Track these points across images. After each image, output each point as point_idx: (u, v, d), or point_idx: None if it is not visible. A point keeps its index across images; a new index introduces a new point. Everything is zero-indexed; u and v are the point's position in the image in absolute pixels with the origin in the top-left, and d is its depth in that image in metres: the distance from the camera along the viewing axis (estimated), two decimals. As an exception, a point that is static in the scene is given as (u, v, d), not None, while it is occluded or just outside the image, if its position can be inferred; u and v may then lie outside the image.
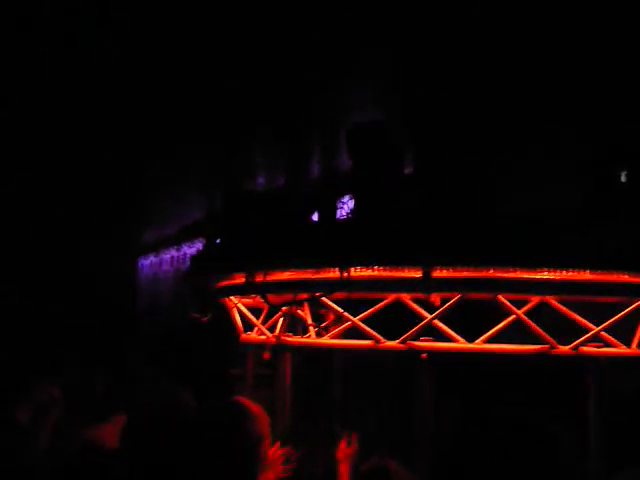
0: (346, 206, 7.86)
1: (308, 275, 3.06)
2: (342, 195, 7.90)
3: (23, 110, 5.65)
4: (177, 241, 11.33)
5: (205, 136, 6.63)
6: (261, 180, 8.03)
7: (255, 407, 2.58)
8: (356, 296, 3.04)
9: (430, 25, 4.07)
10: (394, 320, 3.02)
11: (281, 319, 3.47)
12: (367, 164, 3.81)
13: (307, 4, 3.98)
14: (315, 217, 7.40)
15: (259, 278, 3.16)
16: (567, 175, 4.15)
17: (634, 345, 3.13)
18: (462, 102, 4.61)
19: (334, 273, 2.93)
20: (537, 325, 2.97)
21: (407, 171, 4.23)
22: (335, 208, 7.69)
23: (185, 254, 11.11)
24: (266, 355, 3.99)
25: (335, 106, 5.85)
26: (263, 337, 3.62)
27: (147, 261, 12.82)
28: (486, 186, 3.59)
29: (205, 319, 5.55)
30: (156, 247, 12.34)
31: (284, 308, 3.46)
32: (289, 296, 3.26)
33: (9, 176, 8.08)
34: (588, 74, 3.56)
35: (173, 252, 11.64)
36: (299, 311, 3.39)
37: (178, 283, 10.95)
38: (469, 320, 2.96)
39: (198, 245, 10.63)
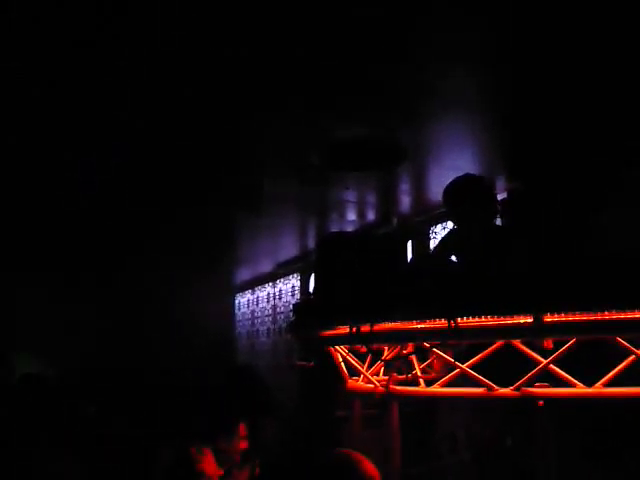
0: (439, 236, 7.79)
1: (415, 324, 3.03)
2: (435, 225, 7.84)
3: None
4: (272, 278, 11.51)
5: (298, 176, 6.72)
6: (352, 217, 8.07)
7: (364, 460, 2.59)
8: (466, 344, 2.99)
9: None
10: (505, 367, 2.95)
11: (388, 368, 3.45)
12: (466, 217, 3.87)
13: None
14: (409, 251, 7.35)
15: (365, 329, 3.15)
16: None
17: None
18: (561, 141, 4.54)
19: (441, 322, 2.89)
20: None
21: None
22: (429, 240, 7.63)
23: (280, 290, 11.26)
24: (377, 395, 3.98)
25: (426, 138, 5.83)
26: (371, 385, 3.60)
27: (244, 298, 13.05)
28: (587, 225, 3.49)
29: (310, 365, 5.62)
30: (252, 284, 12.55)
31: (386, 357, 3.45)
32: (395, 345, 3.24)
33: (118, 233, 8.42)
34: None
35: (269, 288, 11.81)
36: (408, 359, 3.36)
37: (275, 321, 11.10)
38: (583, 364, 2.86)
39: (293, 281, 10.76)
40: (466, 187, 4.19)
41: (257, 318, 12.19)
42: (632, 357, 2.88)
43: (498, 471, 3.95)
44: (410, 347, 3.34)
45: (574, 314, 2.78)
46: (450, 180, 4.28)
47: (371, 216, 7.95)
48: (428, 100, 4.78)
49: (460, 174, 4.32)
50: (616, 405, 2.93)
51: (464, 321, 2.86)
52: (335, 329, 3.53)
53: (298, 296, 10.22)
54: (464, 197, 4.14)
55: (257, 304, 12.26)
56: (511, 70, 4.18)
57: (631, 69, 4.03)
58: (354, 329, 3.20)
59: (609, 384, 2.89)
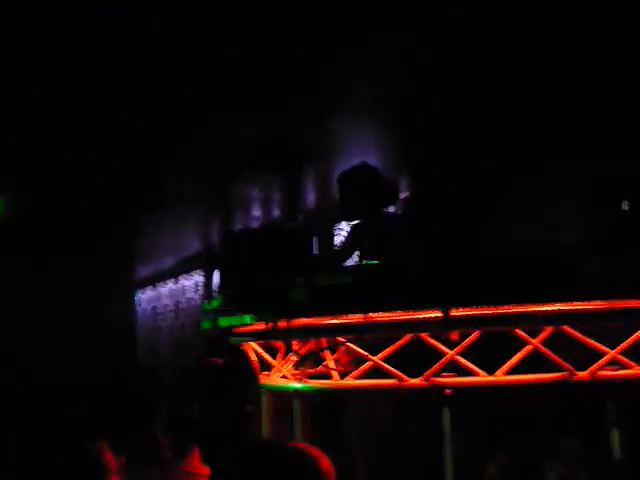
0: (343, 232, 7.95)
1: (330, 320, 3.15)
2: (339, 221, 8.00)
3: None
4: (174, 273, 11.37)
5: (201, 169, 6.72)
6: (256, 213, 8.12)
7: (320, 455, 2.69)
8: (377, 338, 3.13)
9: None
10: (413, 359, 3.12)
11: (302, 363, 3.55)
12: (359, 209, 3.87)
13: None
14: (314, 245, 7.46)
15: (282, 324, 3.24)
16: (567, 206, 4.26)
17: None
18: (461, 135, 4.74)
19: (355, 318, 3.03)
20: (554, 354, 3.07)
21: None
22: (334, 237, 7.79)
23: (183, 286, 11.16)
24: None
25: (330, 135, 5.97)
26: (284, 380, 3.69)
27: (144, 295, 12.83)
28: (490, 221, 3.69)
29: (220, 362, 5.63)
30: (154, 280, 12.36)
31: (302, 351, 3.55)
32: (311, 341, 3.35)
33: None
34: (588, 107, 3.70)
35: (171, 284, 11.68)
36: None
37: (179, 319, 10.99)
38: (487, 354, 3.07)
39: (196, 277, 10.70)
40: (359, 174, 4.08)
41: (159, 314, 12.04)
42: (529, 347, 3.11)
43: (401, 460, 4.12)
44: (324, 342, 3.46)
45: (478, 308, 2.98)
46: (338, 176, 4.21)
47: (276, 212, 8.03)
48: (332, 100, 4.90)
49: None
50: (515, 391, 3.15)
51: (377, 316, 3.01)
52: (248, 326, 3.60)
53: (202, 292, 10.17)
54: (357, 183, 4.02)
55: (159, 300, 12.10)
56: (411, 72, 4.33)
57: (527, 75, 4.24)
58: (270, 325, 3.28)
59: (509, 372, 3.11)
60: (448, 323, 2.93)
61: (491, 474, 3.56)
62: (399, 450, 4.15)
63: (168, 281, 11.84)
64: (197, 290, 10.49)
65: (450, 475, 3.05)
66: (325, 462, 2.50)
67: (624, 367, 3.16)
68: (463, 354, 3.15)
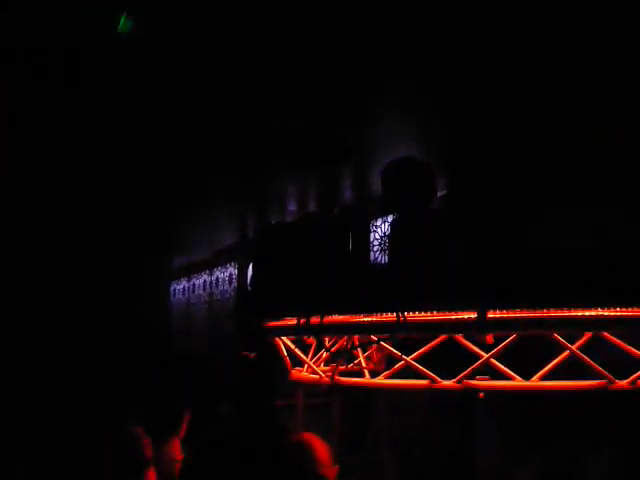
0: (379, 230, 7.91)
1: (362, 318, 3.11)
2: (375, 218, 7.94)
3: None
4: (209, 266, 11.43)
5: (236, 164, 6.72)
6: (292, 207, 8.10)
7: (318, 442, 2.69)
8: (412, 337, 3.08)
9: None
10: (448, 360, 3.06)
11: (334, 359, 3.52)
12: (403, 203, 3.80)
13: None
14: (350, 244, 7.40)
15: (315, 320, 3.21)
16: (601, 199, 4.16)
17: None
18: (505, 127, 4.65)
19: (389, 316, 2.97)
20: (593, 361, 2.99)
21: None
22: (368, 234, 7.73)
23: (217, 278, 11.21)
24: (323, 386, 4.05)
25: (367, 133, 5.92)
26: (316, 376, 3.66)
27: (180, 286, 12.93)
28: (524, 220, 3.63)
29: (253, 355, 5.65)
30: (188, 271, 12.44)
31: (334, 348, 3.51)
32: (343, 337, 3.31)
33: (43, 208, 8.23)
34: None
35: (205, 277, 11.75)
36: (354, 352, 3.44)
37: (212, 310, 11.04)
38: (524, 358, 2.99)
39: (230, 269, 10.74)
40: (406, 167, 3.98)
41: (193, 305, 12.11)
42: (567, 352, 3.03)
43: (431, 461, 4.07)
44: (356, 339, 3.42)
45: (515, 311, 2.91)
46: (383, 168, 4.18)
47: (312, 207, 8.00)
48: (369, 98, 4.86)
49: None
50: (551, 397, 3.07)
51: (411, 315, 2.96)
52: (282, 320, 3.58)
53: (235, 285, 10.20)
54: (403, 177, 3.95)
55: (193, 291, 12.17)
56: (449, 68, 4.26)
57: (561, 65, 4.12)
58: (302, 320, 3.25)
59: (545, 378, 3.04)
60: (483, 325, 2.86)
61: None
62: (429, 451, 4.10)
63: (203, 273, 11.91)
64: (231, 282, 10.53)
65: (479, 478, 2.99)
66: (323, 452, 2.48)
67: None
68: (499, 358, 3.09)
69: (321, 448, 2.67)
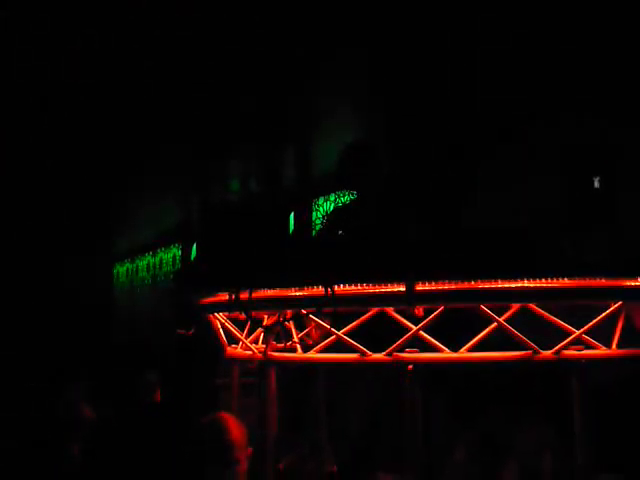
0: (321, 208, 7.90)
1: (293, 292, 3.09)
2: (317, 197, 7.93)
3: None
4: (153, 247, 11.29)
5: (178, 143, 6.64)
6: (235, 186, 8.04)
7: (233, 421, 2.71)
8: (341, 311, 3.08)
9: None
10: (378, 333, 3.07)
11: (267, 335, 3.50)
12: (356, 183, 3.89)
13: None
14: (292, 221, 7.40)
15: (244, 296, 3.18)
16: (537, 176, 4.22)
17: (614, 346, 3.20)
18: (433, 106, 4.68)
19: (319, 289, 2.97)
20: (519, 331, 3.03)
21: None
22: (310, 212, 7.72)
23: (161, 260, 11.09)
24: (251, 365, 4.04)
25: (311, 109, 5.90)
26: (249, 352, 3.65)
27: (123, 268, 12.75)
28: (461, 194, 3.66)
29: (190, 333, 5.60)
30: (131, 254, 12.28)
31: (265, 323, 3.50)
32: (274, 312, 3.30)
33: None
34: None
35: (149, 258, 11.61)
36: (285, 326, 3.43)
37: (156, 293, 10.92)
38: (453, 330, 3.02)
39: (174, 251, 10.62)
40: (365, 153, 4.13)
41: (136, 287, 11.97)
42: (494, 324, 3.07)
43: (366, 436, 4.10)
44: (288, 314, 3.40)
45: (443, 283, 2.94)
46: (341, 150, 4.26)
47: (254, 187, 7.95)
48: (314, 77, 4.85)
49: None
50: (479, 368, 3.12)
51: (341, 288, 2.96)
52: (214, 296, 3.55)
53: (179, 265, 10.11)
54: (364, 162, 4.07)
55: (136, 274, 12.03)
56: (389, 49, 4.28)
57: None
58: (233, 296, 3.22)
59: (472, 349, 3.08)
60: (411, 297, 2.88)
61: (459, 458, 3.56)
62: (365, 426, 4.13)
63: (146, 254, 11.77)
64: (175, 263, 10.44)
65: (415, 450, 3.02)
66: (236, 432, 2.49)
67: (589, 347, 3.14)
68: (430, 331, 3.11)
69: (235, 428, 2.66)
